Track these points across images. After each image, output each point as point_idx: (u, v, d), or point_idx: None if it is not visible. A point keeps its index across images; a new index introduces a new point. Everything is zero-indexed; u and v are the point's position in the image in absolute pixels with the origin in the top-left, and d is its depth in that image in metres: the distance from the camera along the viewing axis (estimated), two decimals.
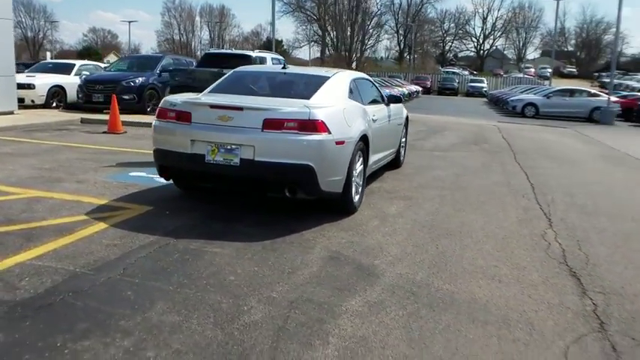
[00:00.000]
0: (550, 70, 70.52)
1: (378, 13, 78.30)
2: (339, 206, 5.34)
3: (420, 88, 40.54)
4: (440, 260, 4.30)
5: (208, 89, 5.81)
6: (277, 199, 5.38)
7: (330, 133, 4.82)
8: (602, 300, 3.65)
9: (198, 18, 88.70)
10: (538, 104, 23.58)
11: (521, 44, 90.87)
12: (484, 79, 49.93)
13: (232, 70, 6.32)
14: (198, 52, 75.56)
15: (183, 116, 4.99)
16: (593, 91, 25.62)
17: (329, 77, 5.84)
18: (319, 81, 5.74)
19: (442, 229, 5.19)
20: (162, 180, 6.11)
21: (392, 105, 7.29)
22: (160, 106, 5.29)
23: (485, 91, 45.13)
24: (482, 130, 16.41)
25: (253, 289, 3.55)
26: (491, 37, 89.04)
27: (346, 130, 5.12)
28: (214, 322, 3.06)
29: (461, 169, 8.64)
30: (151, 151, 5.38)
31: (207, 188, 5.78)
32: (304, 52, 76.90)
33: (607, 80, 57.18)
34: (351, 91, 5.91)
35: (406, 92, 29.67)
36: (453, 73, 58.36)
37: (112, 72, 15.62)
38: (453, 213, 5.83)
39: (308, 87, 5.65)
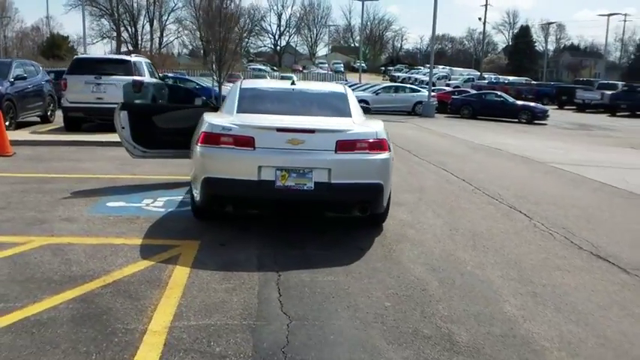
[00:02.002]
0: (342, 65, 76.83)
1: (176, 8, 76.25)
2: (380, 218, 5.59)
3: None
4: None
5: (232, 110, 5.47)
6: (304, 218, 5.54)
7: (390, 150, 5.08)
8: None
9: None
10: (369, 100, 25.66)
11: (312, 40, 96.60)
12: (293, 75, 52.09)
13: (239, 87, 6.04)
14: None
15: (244, 141, 4.77)
16: (414, 87, 28.84)
17: (345, 93, 6.01)
18: (340, 96, 5.91)
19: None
20: (151, 208, 5.75)
21: None
22: (205, 130, 4.93)
23: None
24: None
25: (421, 306, 3.76)
26: (287, 33, 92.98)
27: None
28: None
29: None
30: (80, 176, 5.16)
31: (224, 214, 5.45)
32: (97, 49, 71.14)
33: (395, 74, 64.46)
34: None
35: None
36: (260, 70, 59.60)
37: None
38: (456, 217, 6.50)
39: (338, 103, 5.76)
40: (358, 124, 5.19)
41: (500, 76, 56.71)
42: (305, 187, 4.77)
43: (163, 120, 7.25)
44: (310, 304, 3.78)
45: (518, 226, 6.15)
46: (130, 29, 72.22)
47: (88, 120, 12.42)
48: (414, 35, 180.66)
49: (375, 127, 5.10)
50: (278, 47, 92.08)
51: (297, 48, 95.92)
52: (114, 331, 3.24)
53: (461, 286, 4.26)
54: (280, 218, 5.72)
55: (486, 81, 50.34)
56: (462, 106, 25.76)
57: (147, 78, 12.61)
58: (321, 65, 79.08)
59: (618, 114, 29.92)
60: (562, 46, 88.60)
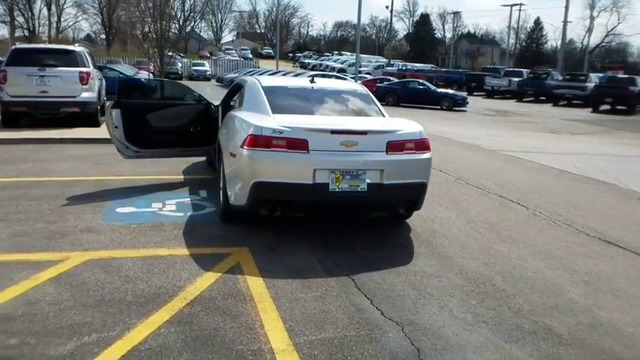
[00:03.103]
0: (249, 52, 75.76)
1: None
2: (409, 215, 5.70)
3: (150, 74, 38.97)
4: None
5: (266, 110, 5.29)
6: (332, 220, 5.61)
7: (430, 150, 5.19)
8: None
9: None
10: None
11: (218, 26, 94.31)
12: (205, 62, 50.56)
13: (260, 86, 5.82)
14: None
15: (298, 144, 4.66)
16: (340, 75, 29.08)
17: (366, 92, 6.02)
18: (364, 95, 5.96)
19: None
20: (168, 213, 5.56)
21: None
22: (253, 133, 4.73)
23: (209, 74, 45.81)
24: None
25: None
26: (191, 18, 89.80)
27: None
28: None
29: None
30: (61, 179, 5.21)
31: (253, 217, 5.26)
32: None
33: (306, 61, 64.68)
34: None
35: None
36: (170, 57, 57.24)
37: None
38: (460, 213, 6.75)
39: (365, 102, 5.79)
40: (400, 123, 5.23)
41: (407, 63, 58.69)
42: (359, 189, 4.76)
43: (157, 118, 6.85)
44: (406, 308, 3.82)
45: (521, 216, 6.52)
46: (25, 13, 66.21)
47: (29, 115, 11.37)
48: (318, 22, 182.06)
49: (416, 126, 5.17)
50: (183, 33, 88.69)
51: (202, 34, 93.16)
52: (242, 355, 3.10)
53: (522, 280, 4.47)
54: (313, 220, 5.63)
55: (396, 68, 52.00)
56: (387, 94, 26.43)
57: (92, 69, 11.77)
58: (228, 51, 77.37)
59: (524, 100, 32.20)
60: (459, 33, 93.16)
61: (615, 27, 76.63)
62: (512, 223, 6.16)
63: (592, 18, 67.76)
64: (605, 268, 4.91)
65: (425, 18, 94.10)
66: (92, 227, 5.18)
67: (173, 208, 5.96)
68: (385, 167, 4.80)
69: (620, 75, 33.85)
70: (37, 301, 3.61)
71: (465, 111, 24.94)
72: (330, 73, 31.26)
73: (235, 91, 7.28)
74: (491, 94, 34.69)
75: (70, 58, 11.23)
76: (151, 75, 32.05)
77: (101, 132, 10.94)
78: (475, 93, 36.59)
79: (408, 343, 3.33)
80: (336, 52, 76.29)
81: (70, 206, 5.84)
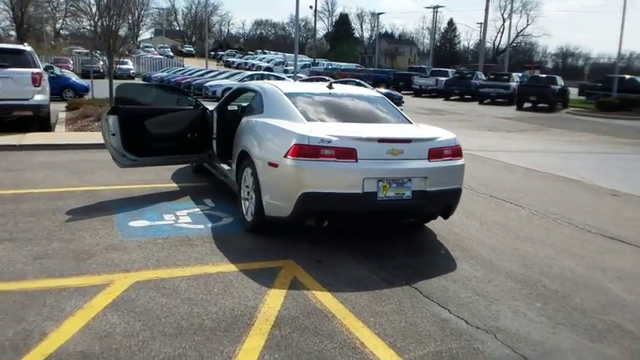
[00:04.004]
0: (170, 49, 73.35)
1: None
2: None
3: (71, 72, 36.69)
4: None
5: (298, 118, 5.11)
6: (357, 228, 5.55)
7: (463, 156, 5.26)
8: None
9: None
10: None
11: (135, 23, 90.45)
12: (128, 60, 48.34)
13: (282, 92, 5.62)
14: None
15: (347, 153, 4.55)
16: (278, 75, 28.82)
17: (384, 97, 6.00)
18: (385, 101, 5.96)
19: None
20: (188, 226, 5.38)
21: None
22: (299, 142, 4.56)
23: (133, 72, 43.94)
24: None
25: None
26: (106, 15, 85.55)
27: None
28: None
29: None
30: (45, 191, 5.39)
31: (281, 227, 5.10)
32: None
33: (230, 60, 63.65)
34: None
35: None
36: (86, 53, 54.17)
37: None
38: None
39: (390, 109, 5.79)
40: (435, 131, 5.27)
41: (332, 62, 59.31)
42: (404, 197, 4.74)
43: (155, 124, 6.45)
44: (484, 315, 3.85)
45: (522, 215, 6.77)
46: None
47: None
48: (237, 20, 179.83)
49: (449, 133, 5.22)
50: (98, 30, 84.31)
51: (118, 31, 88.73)
52: None
53: (565, 279, 4.65)
54: (342, 229, 5.52)
55: (322, 67, 52.38)
56: None
57: (42, 70, 10.91)
58: (147, 49, 74.45)
59: (451, 98, 33.54)
60: (378, 33, 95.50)
61: (524, 28, 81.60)
62: (519, 223, 6.37)
63: (503, 20, 71.68)
64: (624, 263, 5.20)
65: (344, 18, 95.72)
66: (116, 245, 4.79)
67: (188, 219, 5.64)
68: (428, 174, 4.80)
69: (538, 74, 36.12)
70: (109, 333, 3.28)
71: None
72: (262, 72, 30.80)
73: (235, 96, 7.01)
74: (419, 93, 35.84)
75: (20, 59, 10.32)
76: (73, 72, 30.19)
77: (57, 137, 10.19)
78: (403, 92, 37.58)
79: (510, 351, 3.35)
80: (260, 51, 75.76)
81: (76, 221, 5.37)
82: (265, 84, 6.18)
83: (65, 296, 3.73)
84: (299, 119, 5.08)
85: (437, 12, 58.87)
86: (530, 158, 11.69)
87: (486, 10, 39.36)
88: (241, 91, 7.03)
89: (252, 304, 3.76)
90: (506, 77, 32.15)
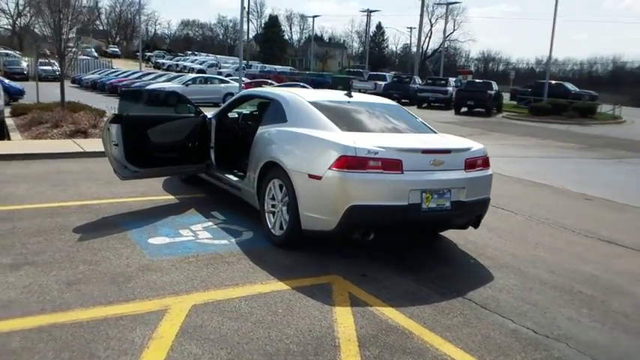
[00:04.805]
0: (93, 50, 69.98)
1: None
2: None
3: None
4: None
5: (332, 128, 5.02)
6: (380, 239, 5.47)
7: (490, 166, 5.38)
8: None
9: None
10: (179, 92, 24.43)
11: (56, 22, 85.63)
12: (54, 62, 45.54)
13: (306, 101, 5.50)
14: None
15: (393, 165, 4.53)
16: (222, 78, 28.23)
17: (401, 107, 6.03)
18: (403, 109, 5.97)
19: None
20: (212, 242, 5.22)
21: None
22: (346, 154, 4.48)
23: (59, 74, 41.52)
24: None
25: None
26: (25, 13, 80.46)
27: None
28: None
29: None
30: (35, 207, 5.19)
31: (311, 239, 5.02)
32: None
33: (160, 61, 61.72)
34: None
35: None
36: (7, 54, 50.69)
37: None
38: None
39: (412, 118, 5.82)
40: (466, 141, 5.36)
41: (266, 65, 58.98)
42: (444, 207, 4.78)
43: (157, 133, 6.13)
44: (545, 323, 3.96)
45: (519, 221, 7.02)
46: None
47: None
48: (163, 20, 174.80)
49: (478, 144, 5.31)
50: (17, 28, 79.00)
51: (35, 30, 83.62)
52: None
53: (595, 284, 4.86)
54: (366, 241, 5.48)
55: (256, 70, 51.95)
56: None
57: None
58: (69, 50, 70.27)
59: None
60: (313, 36, 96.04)
61: (451, 33, 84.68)
62: (522, 229, 6.60)
63: (431, 25, 74.14)
64: (635, 266, 5.51)
65: (274, 20, 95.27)
66: (148, 265, 4.50)
67: (208, 235, 5.40)
68: (466, 185, 4.87)
69: (472, 79, 37.62)
70: None
71: None
72: (205, 75, 30.04)
73: (237, 104, 6.80)
74: None
75: None
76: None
77: (20, 146, 9.46)
78: None
79: (589, 359, 3.45)
80: (190, 52, 74.01)
81: (90, 241, 4.99)
82: (282, 92, 6.02)
83: (126, 326, 3.45)
84: (332, 129, 5.00)
85: (370, 16, 59.86)
86: (494, 164, 12.11)
87: (421, 15, 40.62)
88: (245, 98, 6.82)
89: (326, 324, 3.65)
90: (443, 82, 33.26)
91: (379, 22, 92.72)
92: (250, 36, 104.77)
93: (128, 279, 4.19)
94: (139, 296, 3.90)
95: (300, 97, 5.65)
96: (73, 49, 12.90)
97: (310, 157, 4.78)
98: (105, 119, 11.85)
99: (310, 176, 4.68)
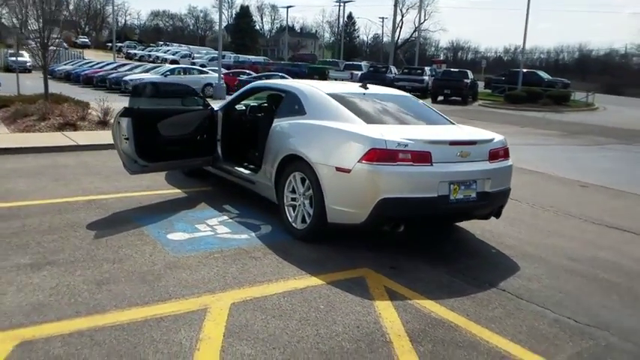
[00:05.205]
0: (62, 40, 67.86)
1: None
2: None
3: None
4: None
5: (354, 120, 4.94)
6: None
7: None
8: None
9: None
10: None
11: (24, 12, 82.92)
12: (24, 52, 44.07)
13: (324, 93, 5.41)
14: None
15: (423, 157, 4.48)
16: (201, 69, 27.72)
17: (417, 99, 5.99)
18: (419, 102, 5.91)
19: None
20: (232, 236, 5.08)
21: None
22: (376, 147, 4.41)
23: (30, 65, 40.24)
24: None
25: None
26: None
27: None
28: None
29: None
30: (42, 202, 5.15)
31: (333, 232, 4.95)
32: None
33: (132, 52, 60.39)
34: None
35: None
36: None
37: None
38: None
39: (428, 109, 5.76)
40: (487, 132, 5.33)
41: (239, 55, 58.22)
42: (470, 198, 4.76)
43: (167, 126, 5.94)
44: (582, 311, 3.98)
45: (527, 209, 7.08)
46: None
47: None
48: (133, 10, 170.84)
49: (497, 134, 5.30)
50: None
51: (3, 21, 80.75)
52: None
53: (617, 270, 4.92)
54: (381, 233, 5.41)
55: (230, 60, 51.25)
56: None
57: None
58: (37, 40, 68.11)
59: None
60: (278, 26, 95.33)
61: (422, 23, 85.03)
62: (531, 217, 6.65)
63: (402, 15, 74.32)
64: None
65: (245, 10, 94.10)
66: (174, 263, 4.36)
67: (226, 229, 5.27)
68: (490, 176, 4.86)
69: (446, 68, 37.90)
70: None
71: None
72: (184, 66, 29.45)
73: (246, 96, 6.65)
74: None
75: None
76: None
77: (10, 139, 9.07)
78: None
79: (632, 345, 3.50)
80: (162, 43, 72.59)
81: (107, 238, 4.82)
82: (298, 84, 5.90)
83: (169, 327, 3.33)
84: (355, 121, 4.92)
85: (344, 6, 59.59)
86: None
87: (395, 4, 40.67)
88: (255, 91, 6.67)
89: (371, 319, 3.59)
90: (419, 71, 33.43)
91: (350, 12, 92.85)
92: (222, 26, 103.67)
93: (158, 277, 4.05)
94: (175, 295, 3.76)
95: (317, 89, 5.55)
96: (57, 40, 12.38)
97: (337, 150, 4.69)
98: (89, 111, 11.52)
99: (338, 169, 4.59)
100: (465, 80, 29.13)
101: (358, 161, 4.45)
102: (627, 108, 33.54)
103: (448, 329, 3.55)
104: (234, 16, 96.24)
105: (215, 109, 6.58)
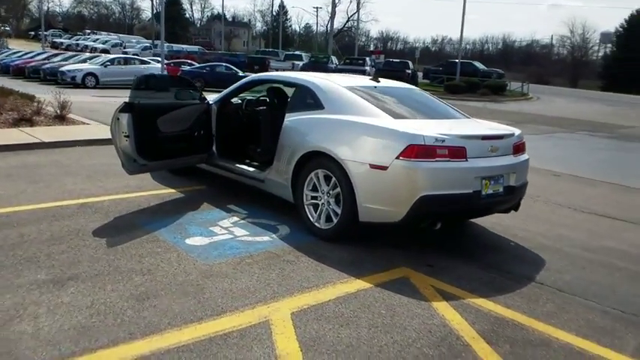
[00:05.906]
0: None
1: None
2: None
3: None
4: None
5: (379, 114, 4.81)
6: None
7: None
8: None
9: None
10: (98, 74, 22.82)
11: None
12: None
13: (340, 86, 5.22)
14: None
15: (458, 152, 4.43)
16: (142, 59, 26.48)
17: (421, 90, 5.93)
18: (428, 95, 5.86)
19: None
20: (254, 239, 4.86)
21: None
22: (414, 143, 4.29)
23: None
24: None
25: None
26: None
27: None
28: None
29: None
30: (32, 208, 4.91)
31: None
32: None
33: (58, 41, 56.95)
34: None
35: None
36: None
37: None
38: None
39: (439, 102, 5.72)
40: (506, 126, 5.34)
41: (173, 45, 56.29)
42: (498, 193, 4.76)
43: (166, 122, 5.56)
44: (623, 301, 4.09)
45: (523, 202, 7.17)
46: None
47: None
48: None
49: (516, 129, 5.33)
50: None
51: None
52: None
53: (631, 259, 5.11)
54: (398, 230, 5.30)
55: (166, 50, 49.44)
56: (194, 79, 25.26)
57: None
58: None
59: None
60: (209, 15, 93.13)
61: (354, 13, 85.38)
62: (530, 208, 6.74)
63: (334, 5, 74.29)
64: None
65: None
66: (209, 271, 4.07)
67: (243, 231, 5.01)
68: (516, 170, 4.88)
69: (385, 59, 38.37)
70: None
71: None
72: (125, 56, 28.07)
73: (245, 89, 6.34)
74: None
75: None
76: None
77: None
78: None
79: None
80: (89, 31, 68.95)
81: (122, 246, 4.44)
82: (309, 77, 5.65)
83: (239, 344, 3.09)
84: (380, 116, 4.79)
85: None
86: None
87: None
88: (255, 83, 6.37)
89: (439, 322, 3.51)
90: (360, 62, 33.71)
91: (281, 1, 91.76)
92: (148, 14, 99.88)
93: (200, 289, 3.76)
94: (227, 308, 3.50)
95: (333, 82, 5.36)
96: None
97: (370, 147, 4.53)
98: (43, 106, 10.70)
99: (372, 166, 4.45)
100: (407, 71, 29.69)
101: (396, 158, 4.32)
102: (557, 97, 35.41)
103: (515, 328, 3.52)
104: (164, 3, 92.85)
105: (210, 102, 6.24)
